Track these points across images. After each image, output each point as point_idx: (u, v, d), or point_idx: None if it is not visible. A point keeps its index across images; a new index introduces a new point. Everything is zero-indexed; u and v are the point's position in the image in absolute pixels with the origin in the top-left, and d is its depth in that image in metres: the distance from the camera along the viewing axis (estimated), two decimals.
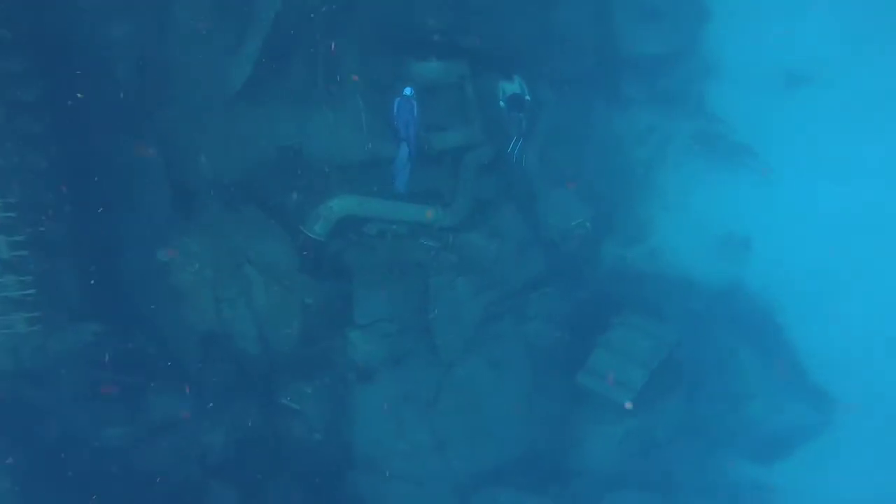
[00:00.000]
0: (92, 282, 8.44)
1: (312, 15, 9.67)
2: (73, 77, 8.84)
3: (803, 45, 10.58)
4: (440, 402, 10.26)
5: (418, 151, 9.30)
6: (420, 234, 9.53)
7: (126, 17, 9.40)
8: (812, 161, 10.43)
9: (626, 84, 10.70)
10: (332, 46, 9.49)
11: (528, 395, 10.52)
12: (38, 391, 8.49)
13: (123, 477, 9.08)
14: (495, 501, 10.10)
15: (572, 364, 10.30)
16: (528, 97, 9.81)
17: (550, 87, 10.33)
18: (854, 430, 10.41)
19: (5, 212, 7.69)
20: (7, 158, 7.92)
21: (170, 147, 9.18)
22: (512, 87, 9.83)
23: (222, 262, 9.04)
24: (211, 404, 9.43)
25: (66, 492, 8.66)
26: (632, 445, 10.37)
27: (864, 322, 10.52)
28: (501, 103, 9.91)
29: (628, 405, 9.65)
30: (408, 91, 9.31)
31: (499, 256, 9.88)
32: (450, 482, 10.24)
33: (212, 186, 9.22)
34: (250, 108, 9.32)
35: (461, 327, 10.09)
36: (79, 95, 8.73)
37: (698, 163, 10.64)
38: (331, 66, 9.61)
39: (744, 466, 10.85)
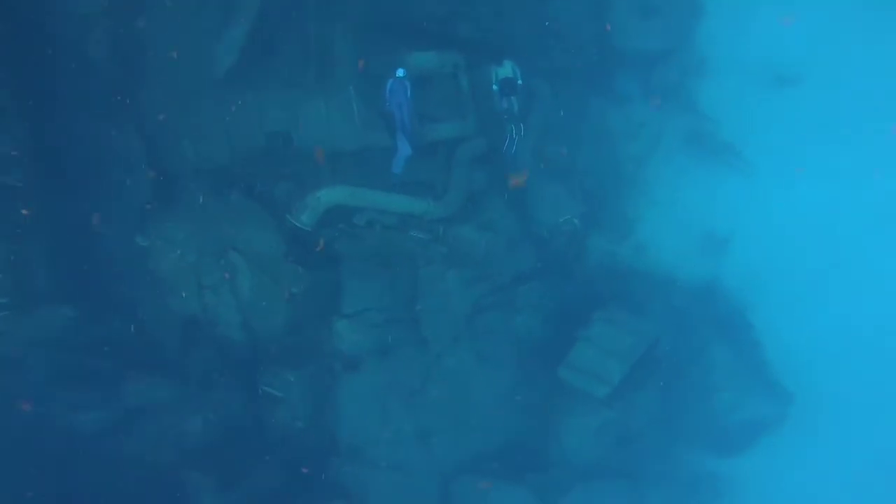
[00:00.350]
0: (65, 266, 8.06)
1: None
2: (38, 54, 8.29)
3: (793, 46, 10.78)
4: (425, 392, 10.38)
5: (413, 132, 9.21)
6: (410, 226, 9.47)
7: None
8: (794, 161, 10.75)
9: (620, 79, 10.76)
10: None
11: (512, 386, 10.73)
12: (8, 376, 8.16)
13: (99, 462, 8.88)
14: (475, 489, 10.36)
15: (556, 357, 10.53)
16: (520, 81, 9.83)
17: (546, 80, 10.27)
18: (810, 424, 11.03)
19: None
20: None
21: (151, 130, 8.79)
22: (504, 71, 9.85)
23: (206, 248, 8.78)
24: (191, 389, 9.26)
25: (41, 476, 8.43)
26: (607, 437, 10.72)
27: (828, 320, 11.05)
28: (494, 87, 9.91)
29: None
30: (400, 72, 9.25)
31: (489, 250, 9.92)
32: (432, 470, 10.42)
33: (195, 172, 8.89)
34: (238, 92, 9.02)
35: (450, 319, 10.15)
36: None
37: (686, 160, 10.80)
38: (323, 51, 9.33)
39: (706, 457, 11.38)
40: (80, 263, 8.35)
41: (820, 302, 10.89)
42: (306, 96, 9.21)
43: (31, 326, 7.87)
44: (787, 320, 10.89)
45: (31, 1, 8.52)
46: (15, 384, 8.22)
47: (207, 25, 9.14)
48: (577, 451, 10.64)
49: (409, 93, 9.14)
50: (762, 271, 10.83)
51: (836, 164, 10.52)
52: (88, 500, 8.68)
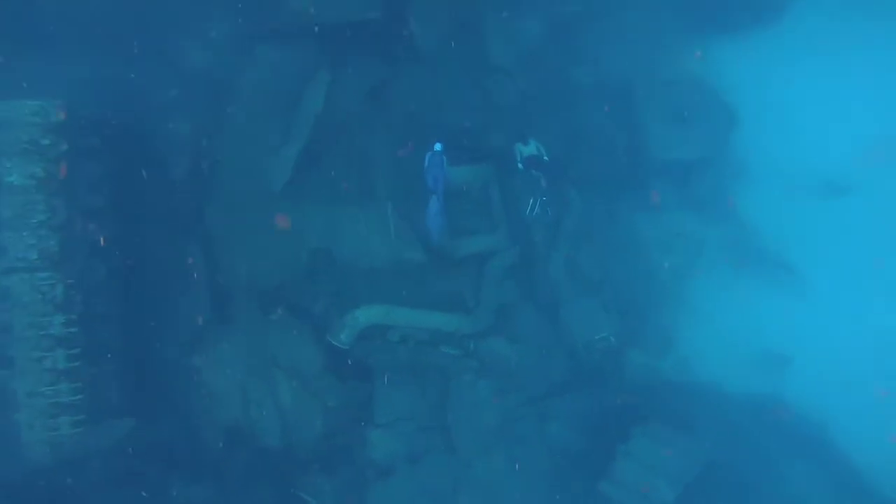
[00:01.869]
0: (131, 382, 8.85)
1: (349, 115, 10.22)
2: (137, 179, 9.46)
3: (840, 153, 10.28)
4: (456, 500, 10.08)
5: (445, 203, 9.65)
6: (441, 342, 9.63)
7: (188, 114, 10.15)
8: (855, 277, 9.95)
9: (654, 189, 10.61)
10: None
11: (547, 497, 10.20)
12: (72, 479, 8.83)
13: None
14: None
15: (595, 470, 9.96)
16: (545, 157, 9.96)
17: (577, 189, 10.41)
18: None
19: (68, 328, 8.24)
20: (75, 272, 8.47)
21: (212, 249, 9.67)
22: (528, 149, 10.06)
23: (252, 365, 9.35)
24: (230, 492, 9.57)
25: None
26: None
27: None
28: (519, 165, 10.10)
29: None
30: (438, 147, 9.81)
31: (521, 361, 9.83)
32: None
33: (247, 289, 9.60)
34: (287, 209, 9.78)
35: (480, 428, 10.01)
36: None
37: (729, 274, 10.34)
38: (364, 166, 10.03)
39: None
40: (143, 379, 9.12)
41: None
42: (347, 212, 9.87)
43: (98, 436, 8.57)
44: (872, 439, 9.67)
45: (134, 127, 9.86)
46: (74, 486, 8.88)
47: (268, 142, 10.13)
48: None
49: (445, 165, 9.63)
50: (839, 388, 9.75)
51: None
52: None
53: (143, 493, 9.31)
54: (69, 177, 8.60)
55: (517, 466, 10.09)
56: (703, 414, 10.02)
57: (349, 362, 9.47)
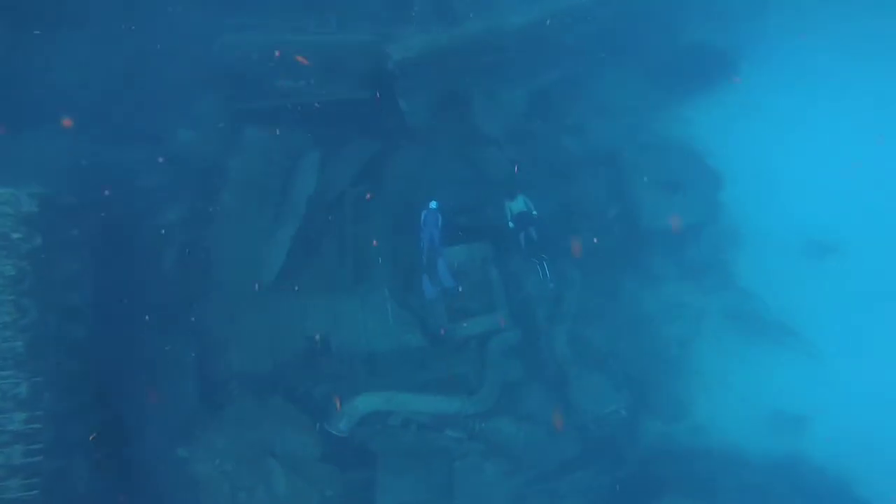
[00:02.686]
0: (107, 475, 8.28)
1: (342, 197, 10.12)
2: (121, 274, 9.07)
3: (822, 213, 10.54)
4: None
5: (440, 256, 9.62)
6: (445, 425, 9.29)
7: (179, 201, 9.85)
8: (858, 334, 10.01)
9: (652, 259, 10.64)
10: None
11: None
12: None
13: None
14: None
15: None
16: (534, 212, 9.97)
17: (576, 264, 10.34)
18: None
19: (30, 423, 7.73)
20: (45, 369, 7.99)
21: (203, 339, 9.28)
22: (517, 205, 10.06)
23: (244, 455, 8.84)
24: None
25: None
26: None
27: None
28: (510, 224, 10.06)
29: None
30: (433, 205, 9.85)
31: (529, 441, 9.50)
32: None
33: (240, 379, 9.20)
34: (282, 297, 9.51)
35: None
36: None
37: (735, 340, 10.30)
38: (359, 252, 9.86)
39: None
40: (119, 471, 8.51)
41: None
42: (344, 298, 9.66)
43: None
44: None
45: (123, 216, 9.44)
46: None
47: (261, 229, 9.87)
48: None
49: (440, 223, 9.63)
50: (854, 445, 9.61)
51: None
52: None
53: None
54: (43, 274, 8.06)
55: None
56: (723, 480, 9.73)
57: (349, 449, 9.01)
